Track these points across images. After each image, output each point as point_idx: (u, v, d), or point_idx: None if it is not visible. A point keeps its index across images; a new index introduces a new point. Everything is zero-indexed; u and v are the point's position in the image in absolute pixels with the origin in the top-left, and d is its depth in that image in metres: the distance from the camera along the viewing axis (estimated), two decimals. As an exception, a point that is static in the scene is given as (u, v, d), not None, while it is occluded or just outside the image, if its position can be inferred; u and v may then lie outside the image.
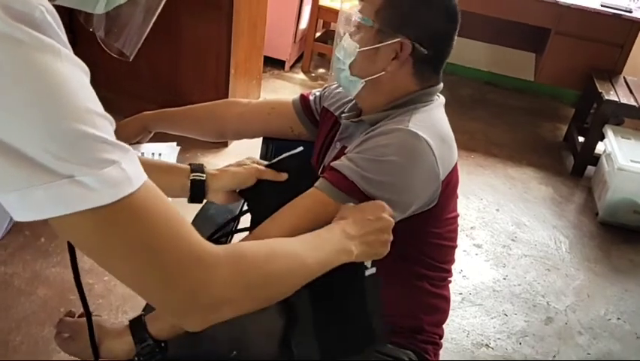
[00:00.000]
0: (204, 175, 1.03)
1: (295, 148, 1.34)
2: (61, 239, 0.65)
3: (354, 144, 1.06)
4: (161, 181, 0.96)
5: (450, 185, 1.08)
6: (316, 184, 1.00)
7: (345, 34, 1.12)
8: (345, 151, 1.07)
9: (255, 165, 1.08)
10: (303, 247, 0.80)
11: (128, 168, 0.56)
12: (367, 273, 0.93)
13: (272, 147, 1.37)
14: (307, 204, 0.98)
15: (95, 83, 0.63)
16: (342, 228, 0.86)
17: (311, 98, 1.29)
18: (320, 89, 1.30)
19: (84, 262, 1.76)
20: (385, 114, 1.08)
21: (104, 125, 0.56)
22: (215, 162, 2.72)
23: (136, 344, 0.89)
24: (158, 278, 0.61)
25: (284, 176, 1.07)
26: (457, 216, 1.18)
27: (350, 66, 1.09)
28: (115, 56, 0.95)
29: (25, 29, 0.52)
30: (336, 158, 1.12)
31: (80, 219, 0.55)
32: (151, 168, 0.98)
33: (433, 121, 1.07)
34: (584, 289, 2.34)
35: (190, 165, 1.04)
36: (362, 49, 1.07)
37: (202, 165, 1.06)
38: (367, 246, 0.87)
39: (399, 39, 1.05)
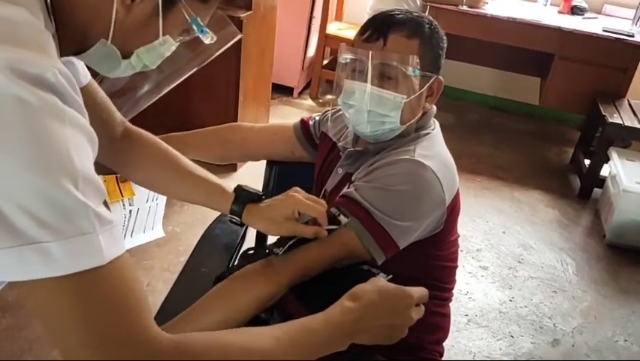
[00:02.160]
0: (240, 219, 1.02)
1: (297, 171, 1.39)
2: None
3: (360, 172, 1.10)
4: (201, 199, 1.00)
5: (454, 210, 1.13)
6: (347, 221, 1.01)
7: (370, 84, 1.06)
8: (353, 178, 1.11)
9: (297, 196, 1.01)
10: (277, 345, 0.69)
11: (103, 241, 0.56)
12: None
13: (275, 169, 1.42)
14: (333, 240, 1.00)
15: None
16: (343, 316, 0.76)
17: (311, 122, 1.34)
18: (320, 114, 1.35)
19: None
20: (390, 143, 1.12)
21: (91, 193, 0.56)
22: (225, 184, 2.77)
23: None
24: (97, 356, 0.57)
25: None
26: (458, 237, 1.22)
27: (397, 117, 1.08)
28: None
29: (36, 91, 0.53)
30: (339, 185, 1.17)
31: (36, 286, 0.54)
32: (198, 186, 1.03)
33: (436, 149, 1.12)
34: (591, 311, 2.33)
35: (235, 193, 1.03)
36: (409, 99, 1.07)
37: (244, 196, 1.03)
38: (371, 336, 0.79)
39: (434, 77, 1.11)
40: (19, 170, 0.52)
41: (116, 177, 1.32)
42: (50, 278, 0.53)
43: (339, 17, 4.04)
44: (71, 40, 0.71)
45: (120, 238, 0.59)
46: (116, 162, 1.07)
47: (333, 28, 3.84)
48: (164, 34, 0.75)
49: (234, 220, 1.03)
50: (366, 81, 1.06)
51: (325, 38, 3.76)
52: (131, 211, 1.29)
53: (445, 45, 1.14)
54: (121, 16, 0.69)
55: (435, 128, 1.18)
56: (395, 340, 0.81)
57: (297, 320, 0.76)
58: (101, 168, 1.23)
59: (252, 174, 1.45)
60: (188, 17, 0.74)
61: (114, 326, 0.58)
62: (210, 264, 1.27)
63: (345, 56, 1.10)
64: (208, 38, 0.79)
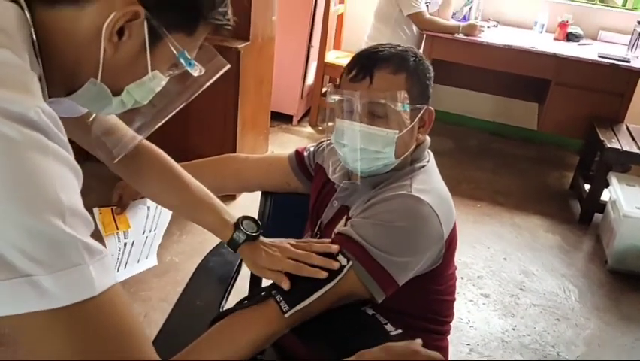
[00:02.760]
0: (237, 252, 1.04)
1: (290, 201, 1.39)
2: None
3: (357, 208, 1.10)
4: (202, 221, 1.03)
5: (452, 243, 1.12)
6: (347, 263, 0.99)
7: (359, 123, 1.07)
8: (350, 214, 1.10)
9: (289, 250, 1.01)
10: None
11: (94, 272, 0.56)
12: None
13: (270, 200, 1.42)
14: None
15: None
16: None
17: (305, 154, 1.34)
18: (314, 145, 1.35)
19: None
20: (385, 177, 1.12)
21: (78, 226, 0.57)
22: (223, 215, 2.77)
23: None
24: None
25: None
26: (455, 270, 1.21)
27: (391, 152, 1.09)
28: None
29: (19, 127, 0.54)
30: (335, 217, 1.16)
31: (29, 319, 0.54)
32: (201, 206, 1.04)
33: (433, 182, 1.12)
34: (594, 338, 2.30)
35: (235, 227, 1.03)
36: (401, 133, 1.08)
37: (240, 234, 1.02)
38: None
39: (424, 107, 1.12)
40: (5, 206, 0.52)
41: (112, 209, 1.32)
42: (43, 311, 0.53)
43: (337, 46, 4.09)
44: (60, 81, 0.72)
45: (111, 268, 0.60)
46: (129, 178, 1.12)
47: (331, 56, 3.88)
48: (152, 70, 0.75)
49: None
50: (355, 120, 1.06)
51: (324, 67, 3.80)
52: (125, 244, 1.29)
53: (432, 75, 1.15)
54: (109, 55, 0.70)
55: (430, 160, 1.18)
56: None
57: None
58: (95, 200, 1.23)
59: (250, 203, 1.44)
60: (175, 51, 0.75)
61: (111, 355, 0.58)
62: (205, 296, 1.26)
63: (333, 97, 1.10)
64: (196, 71, 0.80)
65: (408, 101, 1.07)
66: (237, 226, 1.03)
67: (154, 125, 0.96)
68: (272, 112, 3.31)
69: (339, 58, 3.87)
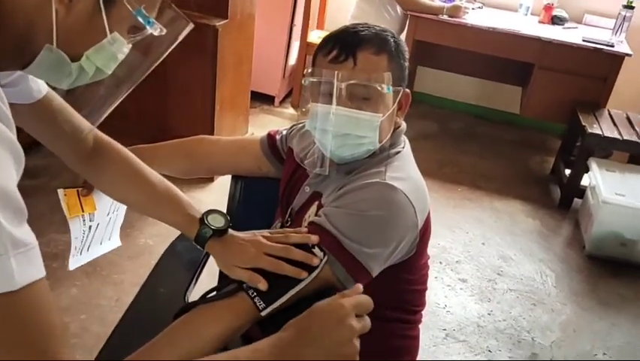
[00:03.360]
0: (204, 251, 0.97)
1: (261, 185, 1.35)
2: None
3: (329, 196, 1.06)
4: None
5: (426, 233, 1.09)
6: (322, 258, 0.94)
7: (344, 107, 1.02)
8: (322, 202, 1.07)
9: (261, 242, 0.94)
10: None
11: (15, 264, 0.53)
12: None
13: (240, 184, 1.38)
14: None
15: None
16: (270, 347, 0.74)
17: (277, 137, 1.30)
18: (287, 128, 1.31)
19: (60, 300, 1.78)
20: (360, 163, 1.08)
21: (7, 213, 0.54)
22: (200, 197, 2.73)
23: None
24: None
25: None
26: (428, 259, 1.18)
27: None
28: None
29: None
30: (306, 203, 1.12)
31: None
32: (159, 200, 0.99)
33: (407, 170, 1.09)
34: (570, 324, 2.31)
35: (200, 222, 0.96)
36: (384, 117, 1.04)
37: (207, 231, 0.95)
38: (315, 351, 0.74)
39: (402, 90, 1.08)
40: None
41: (77, 190, 1.27)
42: None
43: (320, 25, 4.01)
44: (13, 52, 0.68)
45: (38, 261, 0.56)
46: (90, 178, 1.09)
47: (314, 36, 3.81)
48: (110, 32, 0.72)
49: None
50: (339, 104, 1.02)
51: (307, 47, 3.72)
52: (90, 227, 1.25)
53: (408, 56, 1.11)
54: (62, 17, 0.67)
55: (405, 146, 1.15)
56: (351, 357, 0.76)
57: (227, 352, 0.73)
58: (69, 181, 1.18)
59: (228, 185, 1.40)
60: (131, 8, 0.72)
61: (25, 355, 0.55)
62: (170, 284, 1.22)
63: (311, 80, 1.04)
64: (157, 30, 0.77)
65: (391, 83, 1.04)
66: (203, 220, 0.96)
67: (118, 94, 0.91)
68: (253, 92, 3.24)
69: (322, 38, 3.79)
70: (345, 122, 1.02)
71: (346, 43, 1.04)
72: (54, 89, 0.94)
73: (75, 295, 2.04)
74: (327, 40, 1.08)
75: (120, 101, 0.90)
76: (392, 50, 1.07)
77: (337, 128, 1.03)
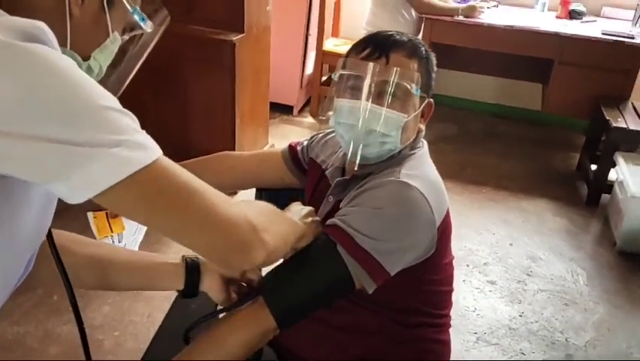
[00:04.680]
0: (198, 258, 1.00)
1: (286, 196, 1.36)
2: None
3: (347, 198, 1.07)
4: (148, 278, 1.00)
5: (446, 231, 1.08)
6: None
7: (371, 103, 1.03)
8: (340, 206, 1.07)
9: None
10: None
11: (146, 137, 0.65)
12: None
13: (265, 196, 1.39)
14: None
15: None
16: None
17: (298, 148, 1.31)
18: (307, 139, 1.32)
19: (93, 318, 1.79)
20: (377, 166, 1.09)
21: (116, 102, 0.63)
22: (225, 210, 2.75)
23: None
24: (203, 225, 0.68)
25: None
26: (452, 259, 1.18)
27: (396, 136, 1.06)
28: None
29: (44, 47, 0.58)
30: (330, 213, 1.12)
31: (124, 189, 0.60)
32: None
33: (423, 168, 1.09)
34: (603, 323, 2.26)
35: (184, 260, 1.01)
36: (409, 118, 1.05)
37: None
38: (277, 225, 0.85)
39: (427, 98, 1.10)
40: (64, 104, 0.59)
41: (106, 213, 1.30)
42: (132, 176, 0.61)
43: (335, 33, 4.03)
44: None
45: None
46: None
47: (329, 44, 3.83)
48: (112, 31, 0.77)
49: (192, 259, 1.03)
50: (368, 99, 1.02)
51: (323, 55, 3.74)
52: (120, 247, 1.27)
53: (436, 69, 1.14)
54: (76, 18, 0.71)
55: (422, 148, 1.15)
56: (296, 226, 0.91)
57: None
58: (91, 204, 1.21)
59: (252, 198, 1.41)
60: (129, 7, 0.77)
61: (207, 195, 0.69)
62: (200, 298, 1.23)
63: (342, 72, 1.07)
64: (149, 27, 0.82)
65: (420, 86, 1.05)
66: (185, 259, 1.01)
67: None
68: (271, 103, 3.27)
69: (338, 45, 3.81)
70: (371, 118, 1.03)
71: (380, 43, 1.07)
72: None
73: (108, 313, 2.08)
74: (360, 41, 1.10)
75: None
76: (423, 57, 1.09)
77: (363, 124, 1.03)
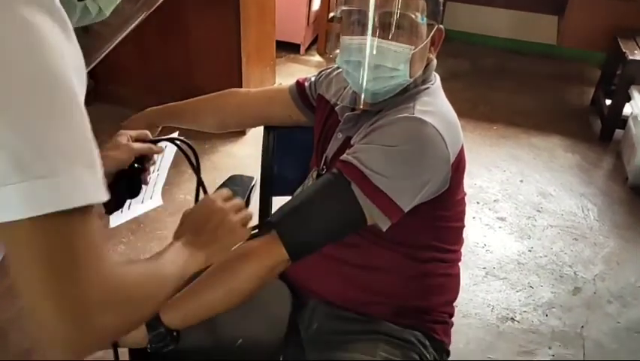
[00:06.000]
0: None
1: (294, 135, 1.35)
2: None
3: (359, 135, 1.05)
4: None
5: (460, 167, 1.07)
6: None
7: (377, 37, 1.00)
8: (351, 142, 1.06)
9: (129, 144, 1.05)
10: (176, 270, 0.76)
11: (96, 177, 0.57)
12: None
13: (273, 135, 1.37)
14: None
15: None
16: (180, 245, 0.81)
17: (306, 84, 1.28)
18: (315, 75, 1.29)
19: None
20: (390, 101, 1.06)
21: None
22: (234, 150, 2.75)
23: (149, 332, 0.90)
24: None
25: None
26: (465, 195, 1.17)
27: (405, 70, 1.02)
28: None
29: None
30: (340, 150, 1.11)
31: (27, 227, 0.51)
32: None
33: (437, 104, 1.06)
34: (613, 256, 2.28)
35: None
36: (416, 50, 1.02)
37: None
38: (215, 242, 0.85)
39: (435, 25, 1.06)
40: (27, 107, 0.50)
41: None
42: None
43: (343, -34, 3.88)
44: None
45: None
46: None
47: (337, -22, 3.69)
48: None
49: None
50: (373, 35, 0.99)
51: (329, -10, 3.62)
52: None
53: None
54: None
55: (435, 82, 1.12)
56: (239, 232, 0.88)
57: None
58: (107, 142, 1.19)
59: (259, 138, 1.40)
60: None
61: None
62: None
63: (344, 8, 1.03)
64: None
65: (425, 14, 1.01)
66: None
67: (109, 45, 0.90)
68: (278, 42, 3.19)
69: (346, -21, 3.67)
70: (377, 53, 1.00)
71: None
72: None
73: (123, 252, 2.12)
74: None
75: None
76: None
77: (369, 60, 1.01)
